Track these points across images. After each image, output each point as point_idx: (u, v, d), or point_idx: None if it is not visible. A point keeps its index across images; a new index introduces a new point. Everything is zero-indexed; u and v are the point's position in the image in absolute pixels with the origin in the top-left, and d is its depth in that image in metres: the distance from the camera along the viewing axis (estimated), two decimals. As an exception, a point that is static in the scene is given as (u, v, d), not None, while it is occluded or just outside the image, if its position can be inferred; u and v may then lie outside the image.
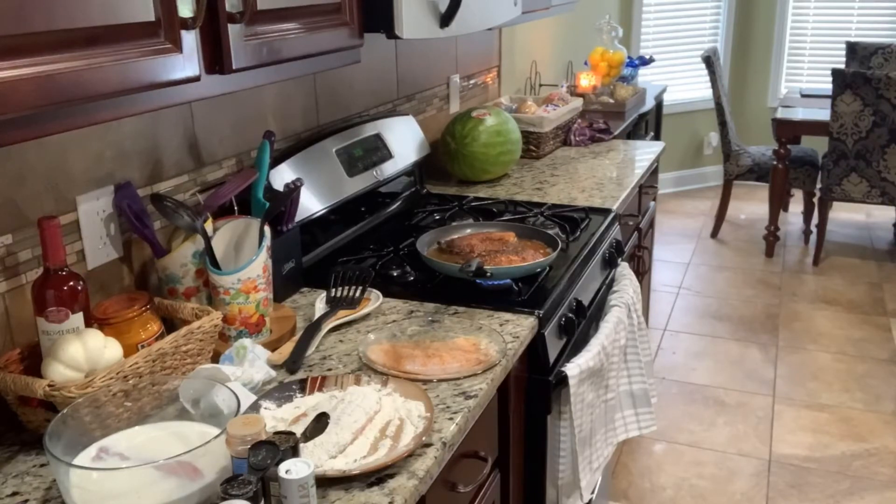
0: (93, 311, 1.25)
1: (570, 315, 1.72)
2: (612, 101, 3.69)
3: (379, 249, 1.92)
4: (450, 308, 1.62)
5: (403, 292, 1.69)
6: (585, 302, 1.86)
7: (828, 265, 4.54)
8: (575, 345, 1.76)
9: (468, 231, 1.93)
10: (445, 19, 1.68)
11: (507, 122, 2.49)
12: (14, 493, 1.09)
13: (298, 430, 1.11)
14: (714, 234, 5.03)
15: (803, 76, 5.84)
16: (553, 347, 1.65)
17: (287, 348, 1.44)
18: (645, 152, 2.88)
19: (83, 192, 1.37)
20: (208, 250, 1.41)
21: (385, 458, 1.11)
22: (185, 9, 1.06)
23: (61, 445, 1.04)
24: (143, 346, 1.26)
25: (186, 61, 1.07)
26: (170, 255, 1.43)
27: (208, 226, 1.45)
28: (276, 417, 1.22)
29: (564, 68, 4.13)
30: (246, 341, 1.38)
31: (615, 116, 3.54)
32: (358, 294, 1.62)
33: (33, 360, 1.22)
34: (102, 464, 1.08)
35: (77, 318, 1.19)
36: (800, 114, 4.61)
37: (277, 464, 0.95)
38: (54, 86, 0.87)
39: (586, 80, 3.78)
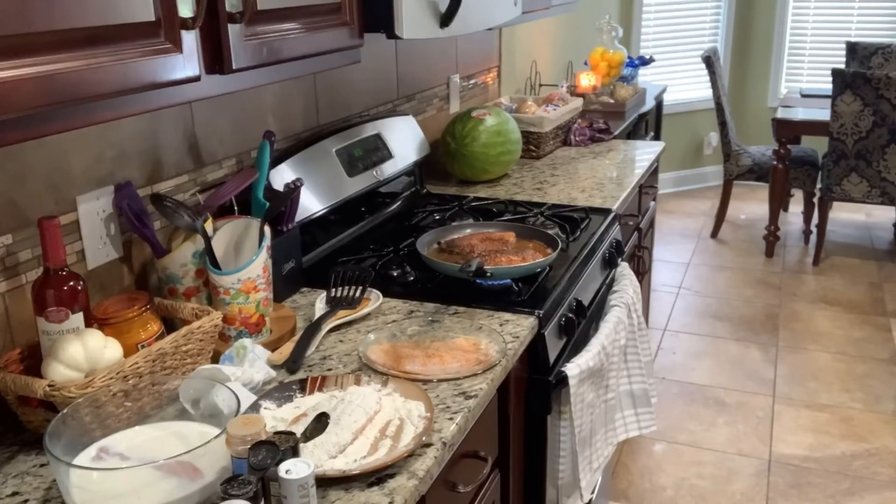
0: (93, 311, 1.25)
1: (570, 315, 1.72)
2: (612, 101, 3.69)
3: (379, 249, 1.92)
4: (450, 308, 1.62)
5: (403, 292, 1.69)
6: (585, 302, 1.85)
7: (828, 265, 4.54)
8: (575, 345, 1.76)
9: (468, 231, 1.93)
10: (445, 19, 1.68)
11: (507, 122, 2.49)
12: (14, 493, 1.09)
13: (298, 430, 1.11)
14: (714, 234, 5.02)
15: (803, 76, 5.84)
16: (553, 347, 1.65)
17: (287, 348, 1.44)
18: (645, 152, 2.88)
19: (83, 192, 1.38)
20: (208, 250, 1.41)
21: (385, 458, 1.11)
22: (185, 9, 1.06)
23: (61, 445, 1.04)
24: (143, 346, 1.26)
25: (186, 61, 1.07)
26: (170, 255, 1.43)
27: (208, 226, 1.45)
28: (276, 417, 1.22)
29: (564, 68, 4.13)
30: (246, 341, 1.37)
31: (615, 116, 3.54)
32: (358, 294, 1.62)
33: (33, 360, 1.22)
34: (102, 464, 1.08)
35: (77, 318, 1.19)
36: (800, 114, 4.61)
37: (277, 464, 0.95)
38: (55, 86, 0.87)
39: (586, 80, 3.78)
